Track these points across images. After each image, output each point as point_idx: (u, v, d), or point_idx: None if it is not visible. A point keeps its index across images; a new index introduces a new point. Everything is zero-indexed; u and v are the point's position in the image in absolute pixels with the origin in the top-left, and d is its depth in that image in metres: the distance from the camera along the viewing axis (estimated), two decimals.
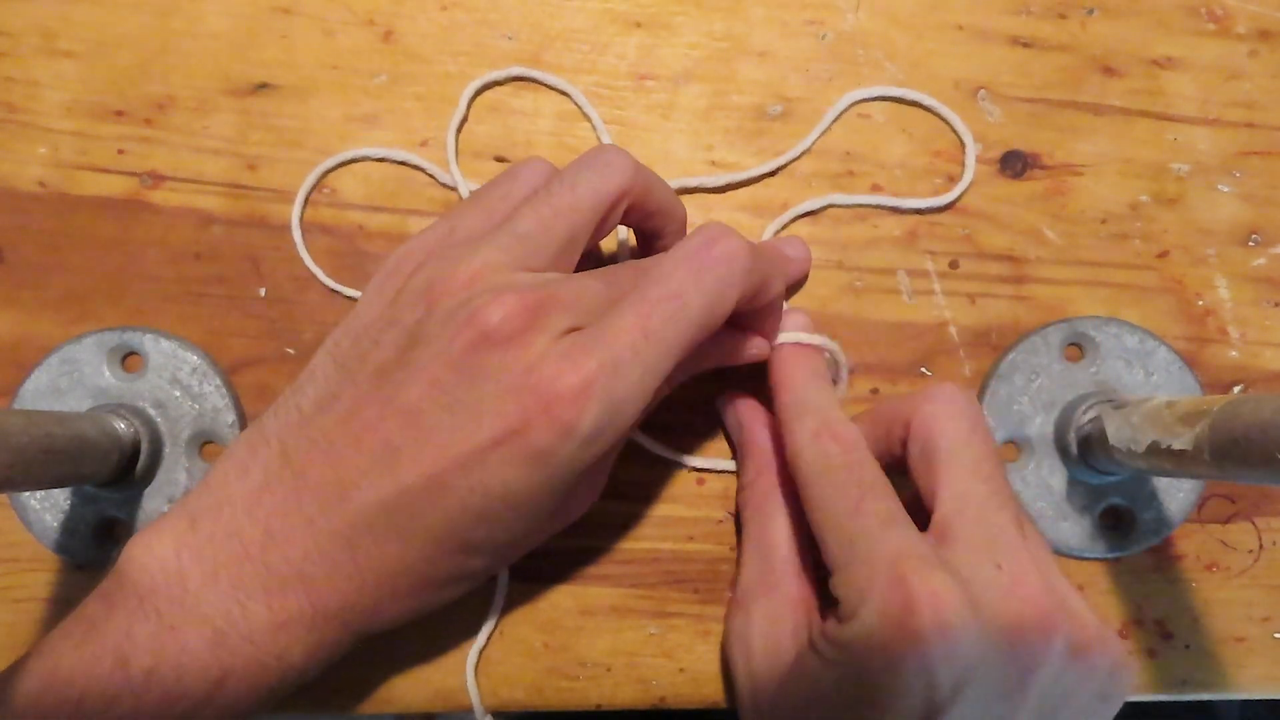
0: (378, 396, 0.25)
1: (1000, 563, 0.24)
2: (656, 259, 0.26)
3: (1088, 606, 0.24)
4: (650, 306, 0.24)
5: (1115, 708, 0.24)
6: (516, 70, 0.34)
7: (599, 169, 0.26)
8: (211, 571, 0.25)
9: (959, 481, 0.25)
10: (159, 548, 0.25)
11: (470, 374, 0.24)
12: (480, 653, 0.32)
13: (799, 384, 0.29)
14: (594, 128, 0.34)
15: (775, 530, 0.29)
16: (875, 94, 0.34)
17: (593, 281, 0.26)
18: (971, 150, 0.34)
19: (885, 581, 0.23)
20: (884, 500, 0.25)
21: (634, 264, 0.27)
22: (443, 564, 0.26)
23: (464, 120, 0.34)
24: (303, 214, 0.34)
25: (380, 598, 0.26)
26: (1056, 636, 0.23)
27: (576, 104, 0.34)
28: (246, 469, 0.26)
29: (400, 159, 0.34)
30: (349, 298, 0.33)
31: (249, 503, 0.25)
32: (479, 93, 0.34)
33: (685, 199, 0.34)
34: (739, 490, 0.32)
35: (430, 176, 0.34)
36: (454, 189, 0.34)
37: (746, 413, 0.32)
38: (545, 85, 0.34)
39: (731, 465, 0.33)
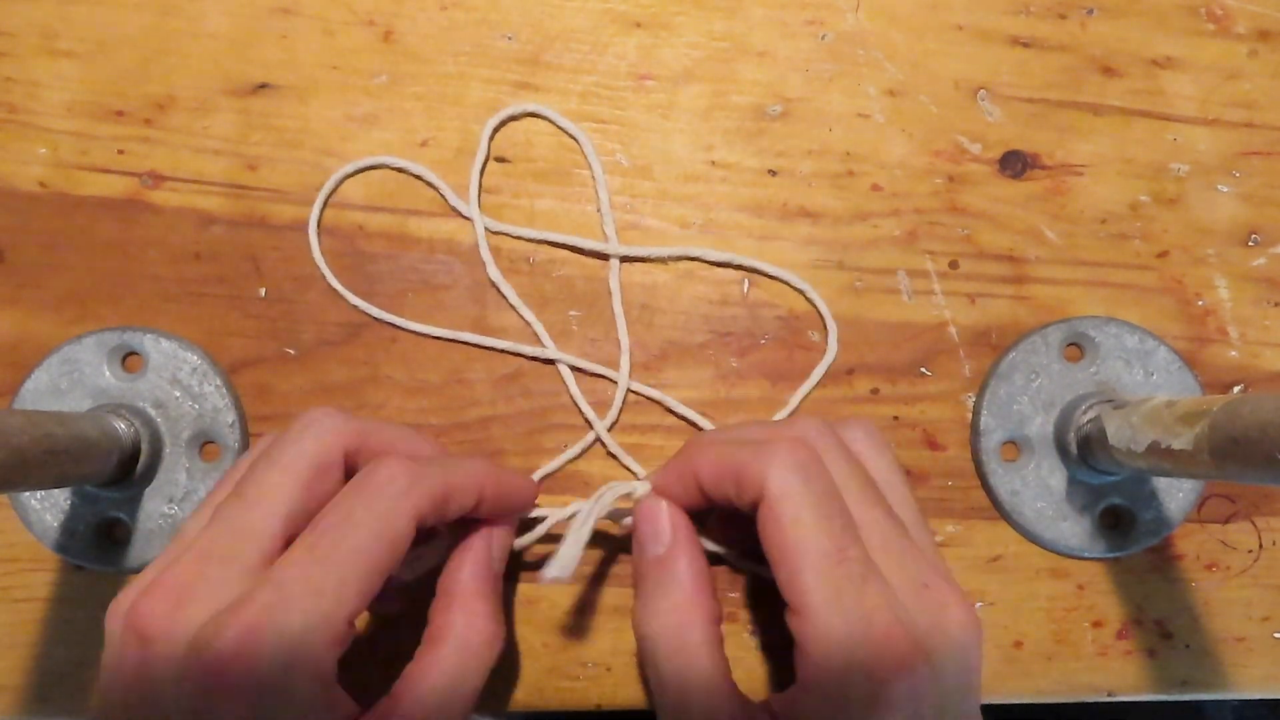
0: None
1: (926, 581, 0.25)
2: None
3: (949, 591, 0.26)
4: (318, 534, 0.24)
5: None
6: (532, 106, 0.34)
7: (274, 456, 0.26)
8: None
9: (803, 561, 0.25)
10: None
11: (144, 702, 0.23)
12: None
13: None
14: (590, 166, 0.34)
15: None
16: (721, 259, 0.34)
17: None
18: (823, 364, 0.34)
19: None
20: None
21: None
22: None
23: (487, 158, 0.34)
24: (320, 216, 0.33)
25: None
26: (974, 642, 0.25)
27: (578, 143, 0.34)
28: None
29: (418, 173, 0.34)
30: (350, 300, 0.33)
31: None
32: (497, 130, 0.34)
33: (684, 201, 0.34)
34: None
35: (440, 193, 0.34)
36: (469, 219, 0.34)
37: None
38: (556, 124, 0.34)
39: None
